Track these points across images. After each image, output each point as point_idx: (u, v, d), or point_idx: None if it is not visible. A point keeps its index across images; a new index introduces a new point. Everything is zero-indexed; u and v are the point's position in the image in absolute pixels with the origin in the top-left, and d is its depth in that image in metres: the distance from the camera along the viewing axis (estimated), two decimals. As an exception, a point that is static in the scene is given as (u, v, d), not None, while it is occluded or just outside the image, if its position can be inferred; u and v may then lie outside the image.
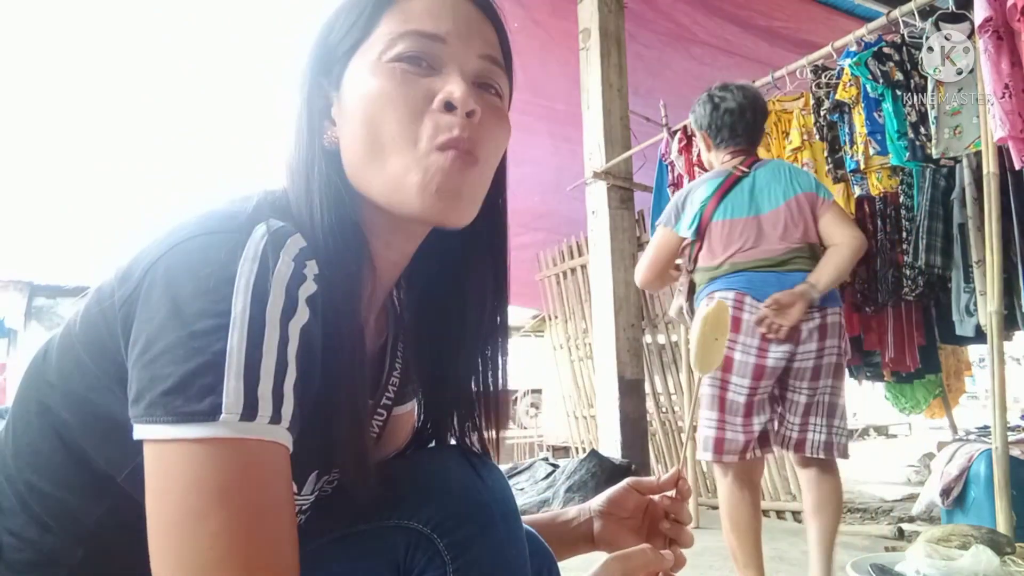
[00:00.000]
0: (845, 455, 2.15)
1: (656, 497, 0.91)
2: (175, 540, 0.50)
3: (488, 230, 0.76)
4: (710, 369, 0.99)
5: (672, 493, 0.89)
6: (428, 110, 0.63)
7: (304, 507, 0.70)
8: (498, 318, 0.78)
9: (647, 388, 4.53)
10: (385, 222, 0.68)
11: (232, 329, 0.51)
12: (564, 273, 5.58)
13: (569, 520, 0.91)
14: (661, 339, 4.76)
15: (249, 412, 0.51)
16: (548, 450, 7.34)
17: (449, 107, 0.63)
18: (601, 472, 3.93)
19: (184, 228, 0.56)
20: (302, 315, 0.56)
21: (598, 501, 0.92)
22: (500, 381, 0.78)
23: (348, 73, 0.66)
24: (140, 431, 0.52)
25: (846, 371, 2.25)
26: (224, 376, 0.51)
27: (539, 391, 9.58)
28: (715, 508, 4.18)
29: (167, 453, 0.51)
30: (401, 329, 0.81)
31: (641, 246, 4.50)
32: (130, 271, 0.57)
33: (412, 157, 0.63)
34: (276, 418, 0.53)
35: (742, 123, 2.29)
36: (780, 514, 3.91)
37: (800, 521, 3.51)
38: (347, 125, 0.66)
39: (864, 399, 8.69)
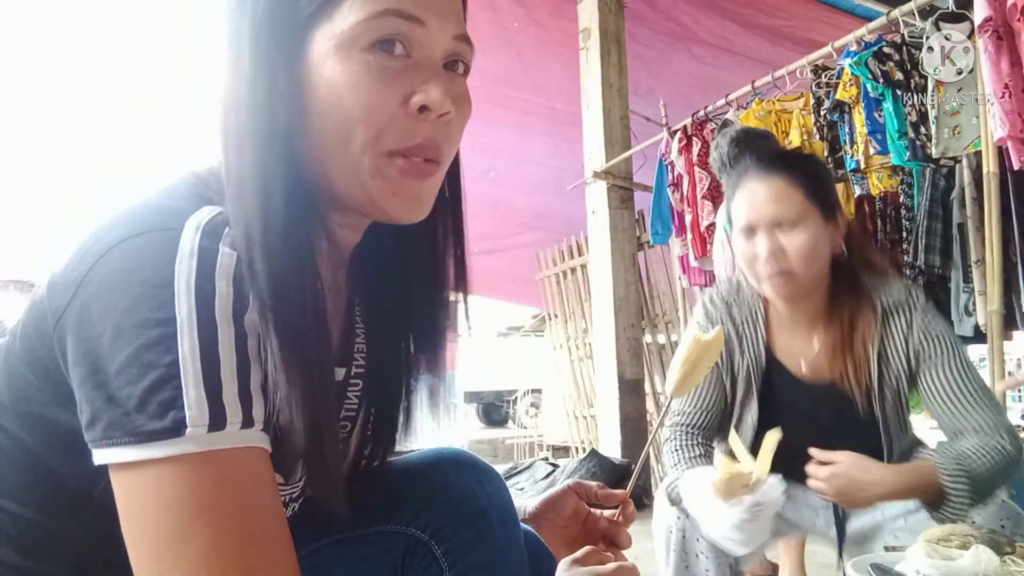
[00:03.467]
0: None
1: (599, 516, 0.88)
2: (160, 567, 0.47)
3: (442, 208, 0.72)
4: (685, 393, 0.97)
5: (616, 515, 0.87)
6: (401, 111, 0.59)
7: (295, 495, 0.67)
8: (443, 293, 0.74)
9: (647, 388, 4.52)
10: (341, 204, 0.64)
11: (181, 336, 0.48)
12: (564, 273, 5.58)
13: None
14: (661, 339, 4.75)
15: (217, 421, 0.48)
16: (548, 450, 7.34)
17: (423, 110, 0.59)
18: (601, 472, 3.93)
19: (111, 231, 0.51)
20: (254, 309, 0.52)
21: (534, 502, 0.88)
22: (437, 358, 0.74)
23: (313, 48, 0.59)
24: (101, 456, 0.49)
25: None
26: (183, 388, 0.47)
27: (539, 391, 9.58)
28: (715, 508, 4.18)
29: (135, 476, 0.48)
30: (357, 299, 0.77)
31: (641, 246, 4.51)
32: (61, 285, 0.52)
33: (374, 160, 0.59)
34: (248, 422, 0.50)
35: None
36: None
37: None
38: (310, 110, 0.59)
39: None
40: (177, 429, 0.47)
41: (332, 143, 0.59)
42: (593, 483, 0.89)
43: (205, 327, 0.49)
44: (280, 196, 0.56)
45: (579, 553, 0.80)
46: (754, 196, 1.34)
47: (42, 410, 0.56)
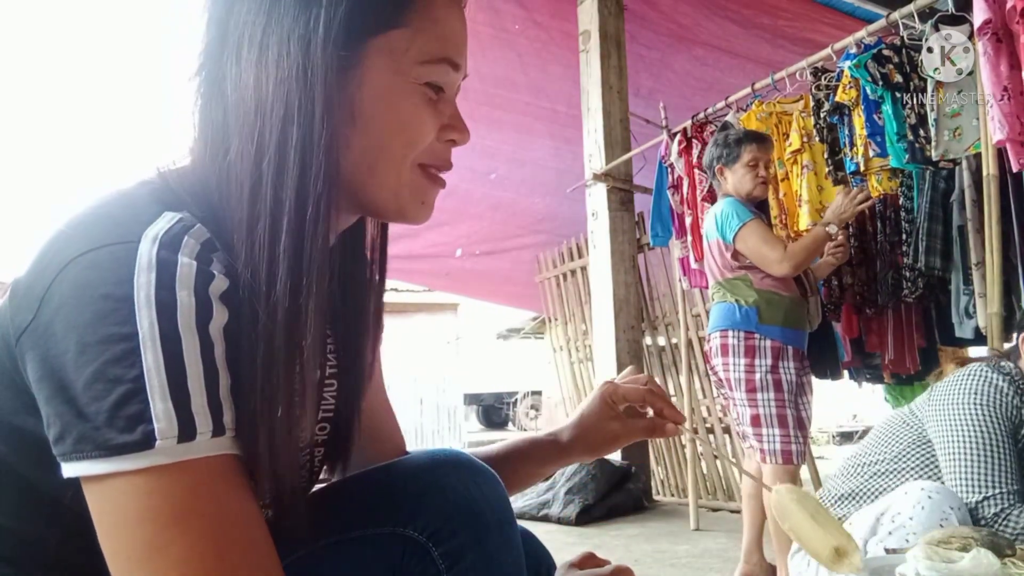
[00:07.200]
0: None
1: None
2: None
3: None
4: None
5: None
6: (434, 138, 0.66)
7: (267, 500, 0.67)
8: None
9: (647, 390, 4.51)
10: (350, 208, 0.67)
11: (144, 350, 0.48)
12: (564, 275, 5.58)
13: (543, 443, 0.88)
14: (661, 341, 4.75)
15: (187, 432, 0.48)
16: (548, 452, 7.32)
17: (451, 142, 0.68)
18: (601, 474, 3.92)
19: (70, 244, 0.51)
20: (220, 316, 0.52)
21: (568, 431, 0.87)
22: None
23: (366, 64, 0.60)
24: (71, 469, 0.49)
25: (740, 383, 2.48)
26: (149, 401, 0.47)
27: (539, 393, 9.59)
28: (716, 511, 4.17)
29: (108, 488, 0.48)
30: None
31: (641, 248, 4.51)
32: (23, 298, 0.52)
33: (410, 172, 0.65)
34: (219, 430, 0.50)
35: None
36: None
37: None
38: (359, 122, 0.61)
39: (864, 401, 8.70)
40: (147, 442, 0.47)
41: (376, 154, 0.63)
42: (631, 385, 0.87)
43: (168, 339, 0.48)
44: (314, 215, 0.57)
45: (576, 557, 0.83)
46: None
47: (11, 418, 0.56)
